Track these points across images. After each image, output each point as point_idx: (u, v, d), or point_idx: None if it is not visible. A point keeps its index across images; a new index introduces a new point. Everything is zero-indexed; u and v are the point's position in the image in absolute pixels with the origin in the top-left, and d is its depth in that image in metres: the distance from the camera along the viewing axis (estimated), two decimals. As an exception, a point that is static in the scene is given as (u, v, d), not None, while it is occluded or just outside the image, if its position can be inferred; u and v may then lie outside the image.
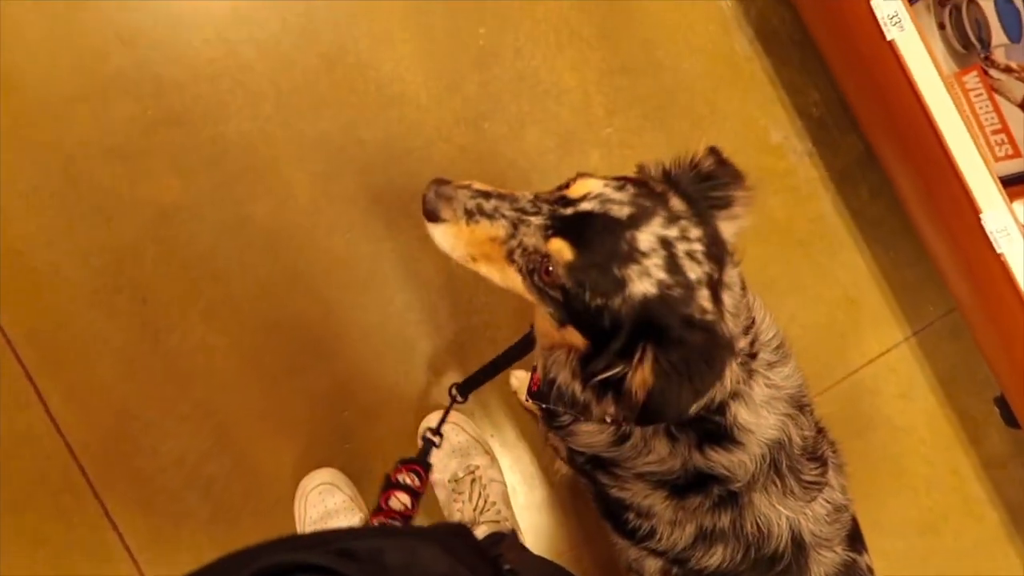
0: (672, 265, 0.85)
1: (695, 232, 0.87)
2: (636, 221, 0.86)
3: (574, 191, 0.90)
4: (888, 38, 1.44)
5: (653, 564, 1.17)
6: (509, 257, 0.93)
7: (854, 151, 1.86)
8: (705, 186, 0.93)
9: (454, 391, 1.43)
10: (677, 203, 0.89)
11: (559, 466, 1.44)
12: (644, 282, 0.84)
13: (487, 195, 0.93)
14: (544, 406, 1.12)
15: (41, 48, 1.59)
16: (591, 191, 0.89)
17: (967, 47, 1.54)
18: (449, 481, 1.56)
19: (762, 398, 1.00)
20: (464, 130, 1.72)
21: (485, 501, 1.55)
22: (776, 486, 1.03)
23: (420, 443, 1.50)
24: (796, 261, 1.83)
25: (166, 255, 1.62)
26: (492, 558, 0.66)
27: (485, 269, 0.97)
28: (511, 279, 0.95)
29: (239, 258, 1.64)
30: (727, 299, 0.90)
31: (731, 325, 0.90)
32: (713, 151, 0.97)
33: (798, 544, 1.06)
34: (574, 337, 0.94)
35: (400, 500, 1.35)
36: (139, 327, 1.61)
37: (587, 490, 1.26)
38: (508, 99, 1.75)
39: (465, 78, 1.73)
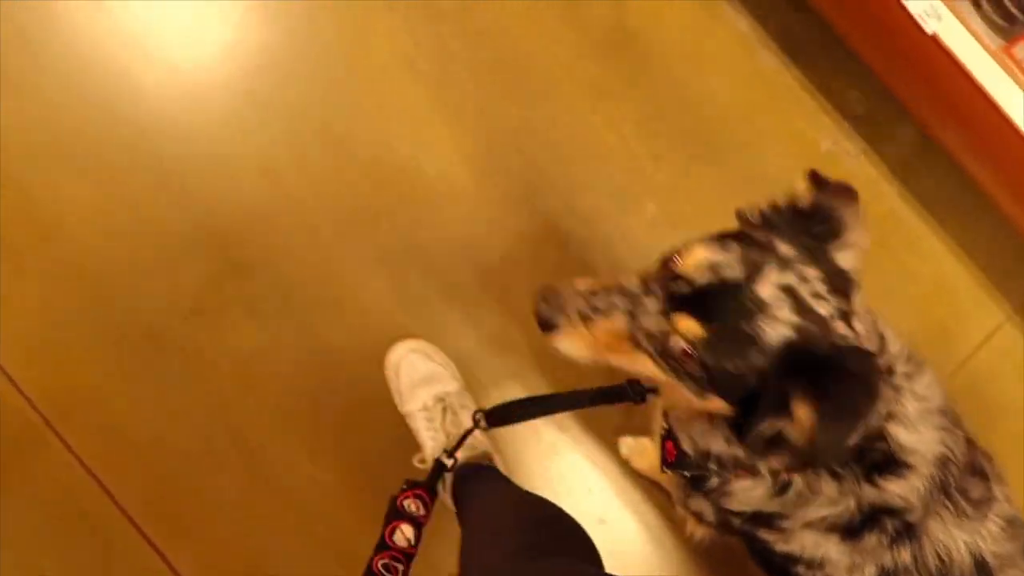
0: (800, 307, 0.84)
1: (812, 272, 0.86)
2: (752, 277, 0.85)
3: (684, 266, 0.89)
4: (929, 32, 1.41)
5: None
6: (635, 345, 0.92)
7: (908, 139, 1.82)
8: (808, 222, 0.90)
9: (479, 416, 1.32)
10: (785, 248, 0.87)
11: (693, 529, 1.35)
12: (778, 328, 0.83)
13: (594, 292, 0.92)
14: (689, 474, 1.09)
15: (102, 229, 1.64)
16: (700, 261, 0.87)
17: (1009, 19, 1.50)
18: (420, 411, 1.54)
19: (916, 414, 0.96)
20: (518, 210, 1.72)
21: (458, 428, 1.51)
22: (949, 509, 0.99)
23: (431, 464, 1.40)
24: (878, 265, 1.78)
25: (257, 399, 1.63)
26: None
27: (615, 360, 0.95)
28: (642, 364, 0.93)
29: (328, 387, 1.64)
30: (859, 326, 0.88)
31: (871, 349, 0.88)
32: (813, 177, 0.94)
33: (982, 568, 1.01)
34: (717, 404, 0.92)
35: (404, 534, 1.24)
36: (249, 476, 1.61)
37: (739, 547, 1.21)
38: (554, 170, 1.74)
39: (507, 158, 1.74)
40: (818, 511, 1.00)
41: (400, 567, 1.19)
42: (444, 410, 1.56)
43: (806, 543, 1.04)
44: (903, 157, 1.82)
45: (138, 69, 1.67)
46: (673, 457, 1.10)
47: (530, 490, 1.45)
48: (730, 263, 0.86)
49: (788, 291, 0.84)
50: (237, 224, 1.66)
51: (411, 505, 1.28)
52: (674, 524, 1.64)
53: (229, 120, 1.68)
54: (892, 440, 0.94)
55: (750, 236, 0.89)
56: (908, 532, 0.99)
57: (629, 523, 1.65)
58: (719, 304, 0.85)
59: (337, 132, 1.70)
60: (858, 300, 0.90)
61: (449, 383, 1.60)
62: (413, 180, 1.71)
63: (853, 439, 0.83)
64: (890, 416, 0.94)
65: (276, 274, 1.66)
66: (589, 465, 1.66)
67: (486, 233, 1.71)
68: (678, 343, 0.87)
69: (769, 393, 0.85)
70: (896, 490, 0.96)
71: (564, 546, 1.15)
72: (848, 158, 1.82)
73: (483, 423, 1.32)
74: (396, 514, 1.26)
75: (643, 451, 1.61)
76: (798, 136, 1.81)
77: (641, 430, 1.59)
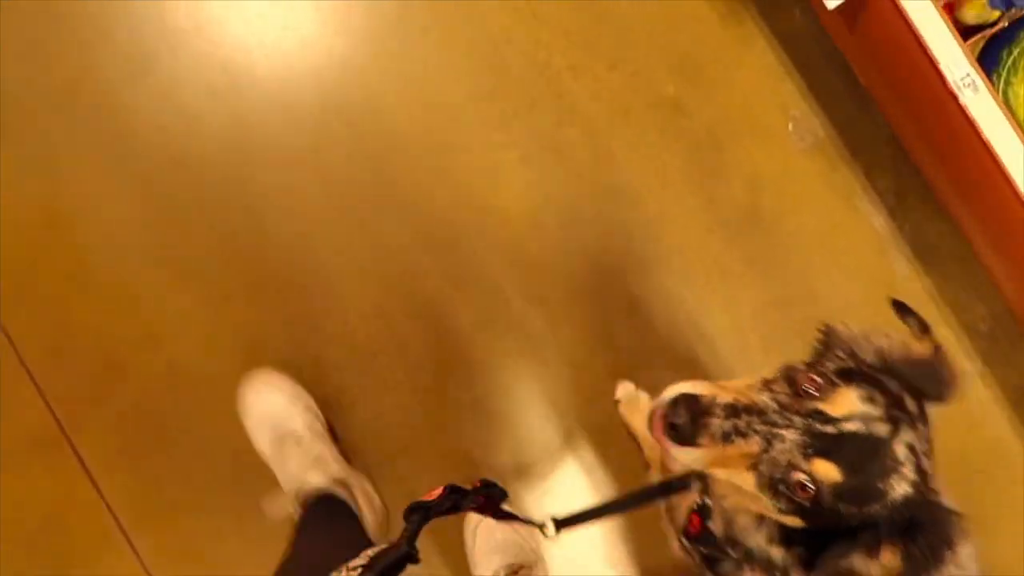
0: (919, 467, 0.86)
1: (924, 430, 0.87)
2: (893, 436, 0.85)
3: (836, 409, 0.86)
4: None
5: None
6: (753, 467, 0.88)
7: (1029, 367, 1.77)
8: (922, 377, 0.90)
9: (549, 521, 1.16)
10: (910, 403, 0.88)
11: (673, 546, 1.28)
12: (902, 485, 0.85)
13: (736, 411, 0.86)
14: (706, 551, 1.08)
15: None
16: (854, 412, 0.86)
17: None
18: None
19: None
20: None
21: None
22: None
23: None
24: (976, 494, 1.73)
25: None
26: None
27: (719, 473, 0.90)
28: (741, 480, 0.89)
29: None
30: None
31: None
32: (928, 334, 0.93)
33: None
34: (793, 521, 0.90)
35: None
36: None
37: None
38: (657, 342, 1.71)
39: (617, 329, 1.71)
40: None
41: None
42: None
43: None
44: (1021, 385, 1.76)
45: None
46: (697, 531, 1.08)
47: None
48: (879, 418, 0.85)
49: (912, 450, 0.85)
50: (337, 355, 1.66)
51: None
52: None
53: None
54: None
55: (884, 385, 0.88)
56: None
57: None
58: (867, 460, 0.85)
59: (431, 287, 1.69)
60: None
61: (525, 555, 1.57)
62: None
63: None
64: None
65: (375, 409, 1.65)
66: None
67: (603, 425, 1.69)
68: (800, 477, 0.85)
69: (867, 533, 0.86)
70: None
71: None
72: (963, 375, 1.76)
73: (550, 531, 1.16)
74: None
75: (636, 404, 1.61)
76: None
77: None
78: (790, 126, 1.77)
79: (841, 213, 1.77)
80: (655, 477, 1.33)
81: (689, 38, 1.76)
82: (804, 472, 0.86)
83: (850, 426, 0.85)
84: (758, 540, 0.98)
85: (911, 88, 1.51)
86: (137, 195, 1.67)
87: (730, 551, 1.02)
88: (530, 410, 1.69)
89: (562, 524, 1.17)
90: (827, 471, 0.84)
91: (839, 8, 1.40)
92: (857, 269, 1.77)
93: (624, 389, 1.66)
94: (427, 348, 1.68)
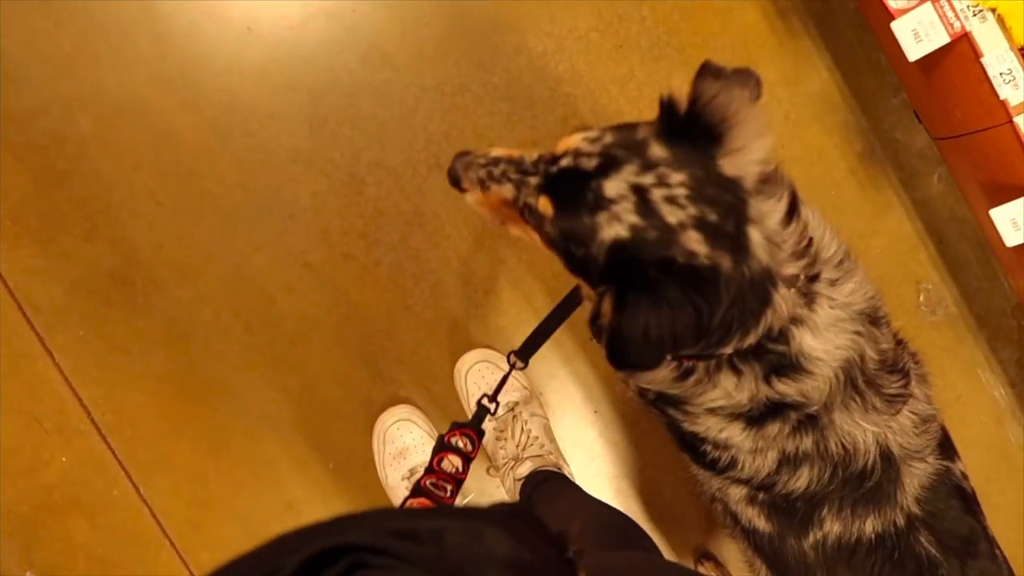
0: (645, 209, 0.85)
1: (676, 177, 0.85)
2: (604, 170, 0.87)
3: (559, 148, 0.93)
4: None
5: (737, 492, 1.16)
6: (523, 217, 0.98)
7: None
8: (697, 125, 0.87)
9: (513, 358, 1.32)
10: (658, 150, 0.87)
11: (623, 389, 1.39)
12: (614, 226, 0.86)
13: (497, 161, 0.97)
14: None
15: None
16: (570, 147, 0.91)
17: None
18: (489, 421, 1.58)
19: (827, 321, 0.97)
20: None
21: (528, 436, 1.58)
22: (856, 402, 1.01)
23: (474, 407, 1.40)
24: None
25: None
26: (556, 537, 0.66)
27: (514, 231, 1.03)
28: (531, 237, 1.00)
29: None
30: (755, 234, 0.87)
31: (764, 258, 0.87)
32: (705, 68, 0.89)
33: (887, 458, 1.05)
34: (584, 286, 0.98)
35: (452, 463, 1.28)
36: None
37: (659, 422, 1.24)
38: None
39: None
40: (715, 401, 1.03)
41: (448, 487, 1.23)
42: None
43: (710, 426, 1.08)
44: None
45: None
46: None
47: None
48: (590, 153, 0.88)
49: (638, 191, 0.85)
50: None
51: (458, 441, 1.29)
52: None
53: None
54: (796, 345, 0.95)
55: (631, 131, 0.90)
56: (811, 422, 1.02)
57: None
58: (567, 191, 0.90)
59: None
60: (769, 205, 0.88)
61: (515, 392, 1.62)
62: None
63: (653, 352, 0.87)
64: (798, 321, 0.94)
65: None
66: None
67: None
68: (533, 216, 0.94)
69: (596, 285, 0.91)
70: (790, 391, 0.98)
71: (637, 545, 1.25)
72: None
73: (519, 363, 1.31)
74: (443, 446, 1.28)
75: None
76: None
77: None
78: (921, 297, 1.78)
79: (964, 384, 1.80)
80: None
81: (828, 204, 1.74)
82: (536, 211, 0.93)
83: (564, 161, 0.90)
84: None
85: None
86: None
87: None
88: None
89: (522, 353, 1.29)
90: (545, 206, 0.92)
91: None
92: (975, 438, 1.81)
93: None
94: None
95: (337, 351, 1.65)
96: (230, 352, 1.63)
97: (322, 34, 1.59)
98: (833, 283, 0.98)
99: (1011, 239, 1.41)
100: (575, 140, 0.91)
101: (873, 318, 1.01)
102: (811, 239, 0.95)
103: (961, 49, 1.35)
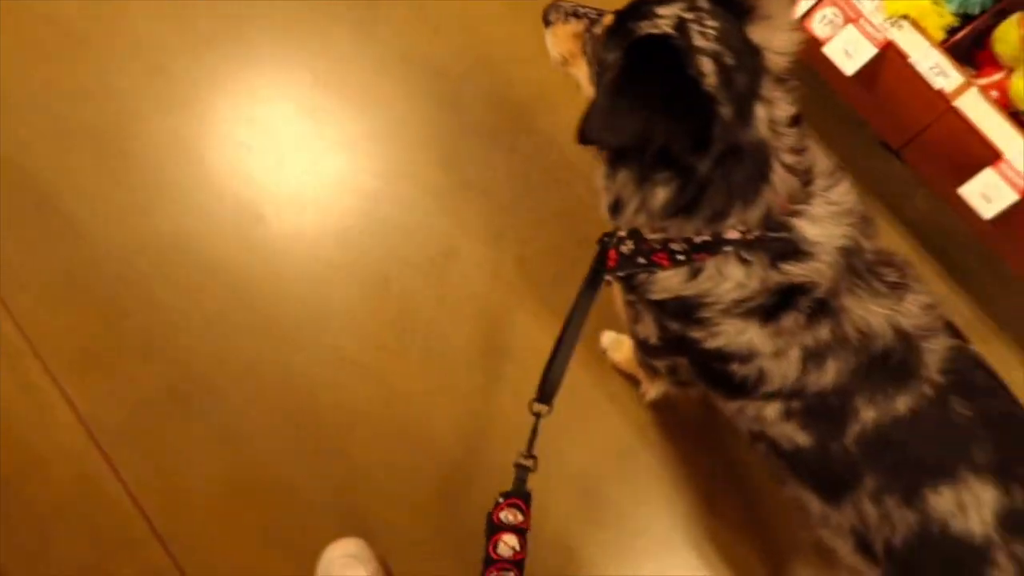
0: (680, 28, 1.00)
1: (712, 23, 1.00)
2: (660, 1, 1.03)
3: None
4: None
5: (772, 410, 1.16)
6: (583, 50, 1.19)
7: None
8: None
9: (536, 406, 1.28)
10: (703, 3, 1.03)
11: (646, 388, 1.63)
12: (647, 27, 1.02)
13: (582, 6, 1.21)
14: (623, 275, 1.20)
15: None
16: None
17: None
18: None
19: (825, 214, 1.08)
20: None
21: None
22: (861, 287, 1.08)
23: (514, 471, 1.31)
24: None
25: None
26: None
27: (572, 70, 1.22)
28: (580, 70, 1.19)
29: None
30: (761, 111, 1.01)
31: (765, 133, 1.02)
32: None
33: (903, 337, 1.08)
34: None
35: (508, 544, 1.22)
36: None
37: (687, 374, 1.35)
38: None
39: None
40: (730, 294, 1.09)
41: (511, 574, 1.21)
42: None
43: (729, 332, 1.12)
44: None
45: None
46: (615, 263, 1.23)
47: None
48: None
49: (679, 20, 1.01)
50: None
51: (507, 516, 1.26)
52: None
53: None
54: (797, 232, 1.07)
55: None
56: (823, 308, 1.07)
57: None
58: (631, 10, 1.06)
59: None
60: (780, 96, 1.03)
61: None
62: None
63: (608, 129, 1.02)
64: (797, 214, 1.07)
65: None
66: None
67: None
68: (601, 34, 1.12)
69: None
70: (796, 271, 1.06)
71: None
72: None
73: (543, 409, 1.29)
74: (494, 528, 1.24)
75: (620, 346, 1.74)
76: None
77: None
78: (935, 310, 1.82)
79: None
80: (652, 395, 1.62)
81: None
82: (598, 38, 1.14)
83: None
84: (640, 219, 1.09)
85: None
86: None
87: (636, 262, 1.17)
88: None
89: (542, 396, 1.29)
90: (608, 19, 1.13)
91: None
92: None
93: (607, 337, 1.76)
94: None
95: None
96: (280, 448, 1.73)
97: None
98: (827, 188, 1.11)
99: (986, 211, 1.49)
100: None
101: (864, 218, 1.13)
102: (807, 146, 1.10)
103: (890, 56, 1.53)
